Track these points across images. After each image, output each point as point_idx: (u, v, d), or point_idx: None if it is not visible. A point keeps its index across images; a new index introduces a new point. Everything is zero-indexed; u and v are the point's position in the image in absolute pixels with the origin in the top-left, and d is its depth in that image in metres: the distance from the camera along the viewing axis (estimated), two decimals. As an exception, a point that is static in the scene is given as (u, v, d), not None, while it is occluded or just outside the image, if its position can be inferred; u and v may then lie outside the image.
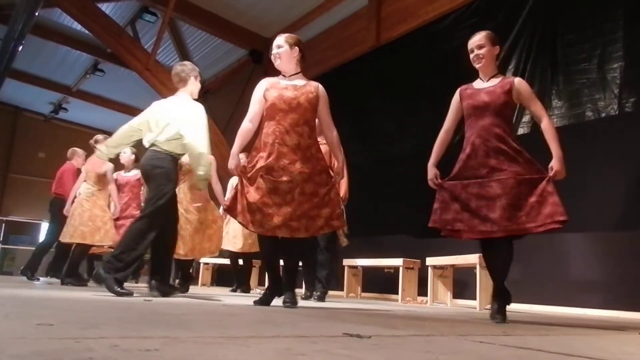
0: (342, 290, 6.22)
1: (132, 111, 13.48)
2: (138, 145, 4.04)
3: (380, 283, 6.21)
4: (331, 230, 3.31)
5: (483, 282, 4.25)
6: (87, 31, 9.27)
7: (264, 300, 3.11)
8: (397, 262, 5.38)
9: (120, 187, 5.84)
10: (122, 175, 5.96)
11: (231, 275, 6.92)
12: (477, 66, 2.97)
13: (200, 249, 4.63)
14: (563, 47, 5.22)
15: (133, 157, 5.89)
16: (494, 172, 2.74)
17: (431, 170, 2.95)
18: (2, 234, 10.27)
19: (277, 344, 1.24)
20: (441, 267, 4.91)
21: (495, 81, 2.93)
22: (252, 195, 2.92)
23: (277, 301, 3.12)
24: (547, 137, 2.80)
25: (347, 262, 6.14)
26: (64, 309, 2.07)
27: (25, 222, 13.30)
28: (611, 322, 3.27)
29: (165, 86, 9.30)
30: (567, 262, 4.48)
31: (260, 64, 10.06)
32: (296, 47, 3.14)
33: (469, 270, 4.42)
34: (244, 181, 2.99)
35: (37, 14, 7.65)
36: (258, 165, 2.96)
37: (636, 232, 4.17)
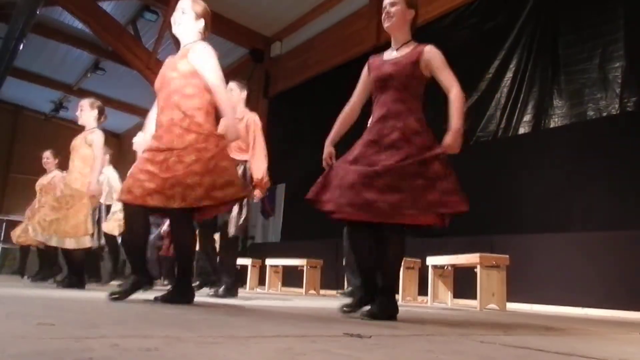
0: (343, 290, 6.21)
1: (134, 110, 13.50)
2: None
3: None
4: (212, 202, 2.68)
5: (484, 281, 4.25)
6: (88, 30, 9.28)
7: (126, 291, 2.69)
8: (398, 261, 5.38)
9: None
10: None
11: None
12: (385, 25, 2.60)
13: None
14: (564, 47, 5.22)
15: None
16: (386, 152, 2.39)
17: (327, 149, 2.59)
18: (2, 234, 10.27)
19: (278, 343, 1.24)
20: (441, 267, 4.91)
21: (405, 50, 2.55)
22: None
23: (277, 302, 3.11)
24: (450, 109, 2.38)
25: (347, 261, 6.13)
26: (64, 309, 2.07)
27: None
28: (611, 322, 3.27)
29: (165, 85, 9.30)
30: (567, 262, 4.48)
31: (261, 63, 10.06)
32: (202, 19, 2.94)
33: (470, 270, 4.41)
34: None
35: (38, 12, 7.66)
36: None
37: (636, 232, 4.17)
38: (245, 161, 4.08)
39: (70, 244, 4.19)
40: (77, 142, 4.42)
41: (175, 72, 2.83)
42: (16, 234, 7.10)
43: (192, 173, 2.62)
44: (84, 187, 4.23)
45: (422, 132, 2.40)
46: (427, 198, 2.25)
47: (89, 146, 4.31)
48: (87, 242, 4.24)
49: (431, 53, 2.50)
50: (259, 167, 4.01)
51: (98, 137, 4.34)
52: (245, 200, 3.91)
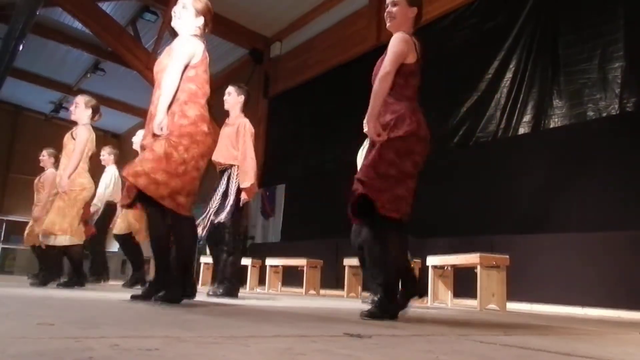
0: (343, 289, 6.22)
1: (133, 110, 13.51)
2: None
3: (381, 283, 6.21)
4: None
5: (483, 281, 4.25)
6: (87, 30, 9.28)
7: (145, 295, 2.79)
8: (398, 261, 5.37)
9: None
10: None
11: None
12: (387, 25, 2.58)
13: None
14: (563, 47, 5.22)
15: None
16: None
17: None
18: (2, 234, 10.27)
19: (278, 343, 1.24)
20: (442, 267, 4.91)
21: None
22: None
23: (277, 302, 3.11)
24: None
25: (347, 261, 6.13)
26: (64, 309, 2.07)
27: (26, 222, 13.29)
28: (611, 322, 3.27)
29: (165, 86, 9.31)
30: (567, 262, 4.48)
31: (261, 63, 10.06)
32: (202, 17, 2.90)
33: (470, 270, 4.42)
34: None
35: (37, 13, 7.66)
36: None
37: (636, 232, 4.17)
38: (232, 166, 4.05)
39: (46, 241, 4.19)
40: (66, 138, 4.39)
41: (159, 67, 2.83)
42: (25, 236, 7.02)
43: (159, 170, 2.57)
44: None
45: (388, 125, 2.39)
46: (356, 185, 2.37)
47: (74, 140, 4.24)
48: (60, 241, 4.16)
49: (391, 41, 2.46)
50: (246, 174, 3.99)
51: (82, 132, 4.26)
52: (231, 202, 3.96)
